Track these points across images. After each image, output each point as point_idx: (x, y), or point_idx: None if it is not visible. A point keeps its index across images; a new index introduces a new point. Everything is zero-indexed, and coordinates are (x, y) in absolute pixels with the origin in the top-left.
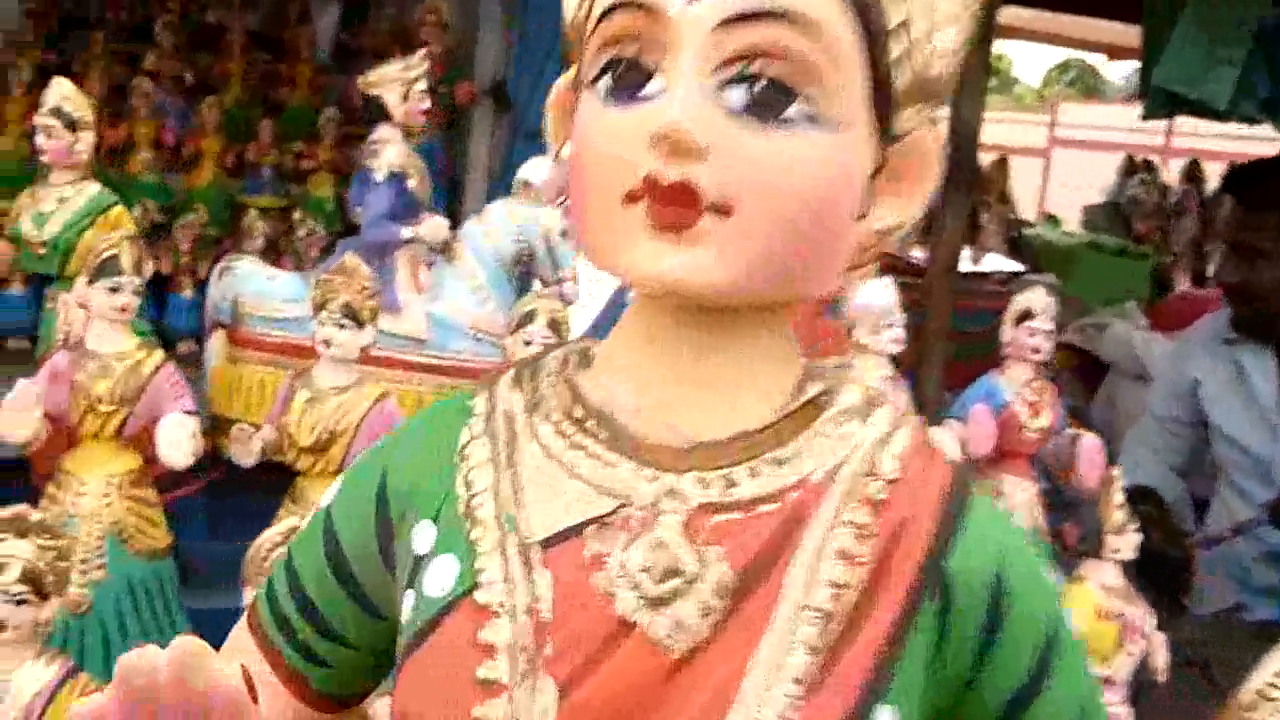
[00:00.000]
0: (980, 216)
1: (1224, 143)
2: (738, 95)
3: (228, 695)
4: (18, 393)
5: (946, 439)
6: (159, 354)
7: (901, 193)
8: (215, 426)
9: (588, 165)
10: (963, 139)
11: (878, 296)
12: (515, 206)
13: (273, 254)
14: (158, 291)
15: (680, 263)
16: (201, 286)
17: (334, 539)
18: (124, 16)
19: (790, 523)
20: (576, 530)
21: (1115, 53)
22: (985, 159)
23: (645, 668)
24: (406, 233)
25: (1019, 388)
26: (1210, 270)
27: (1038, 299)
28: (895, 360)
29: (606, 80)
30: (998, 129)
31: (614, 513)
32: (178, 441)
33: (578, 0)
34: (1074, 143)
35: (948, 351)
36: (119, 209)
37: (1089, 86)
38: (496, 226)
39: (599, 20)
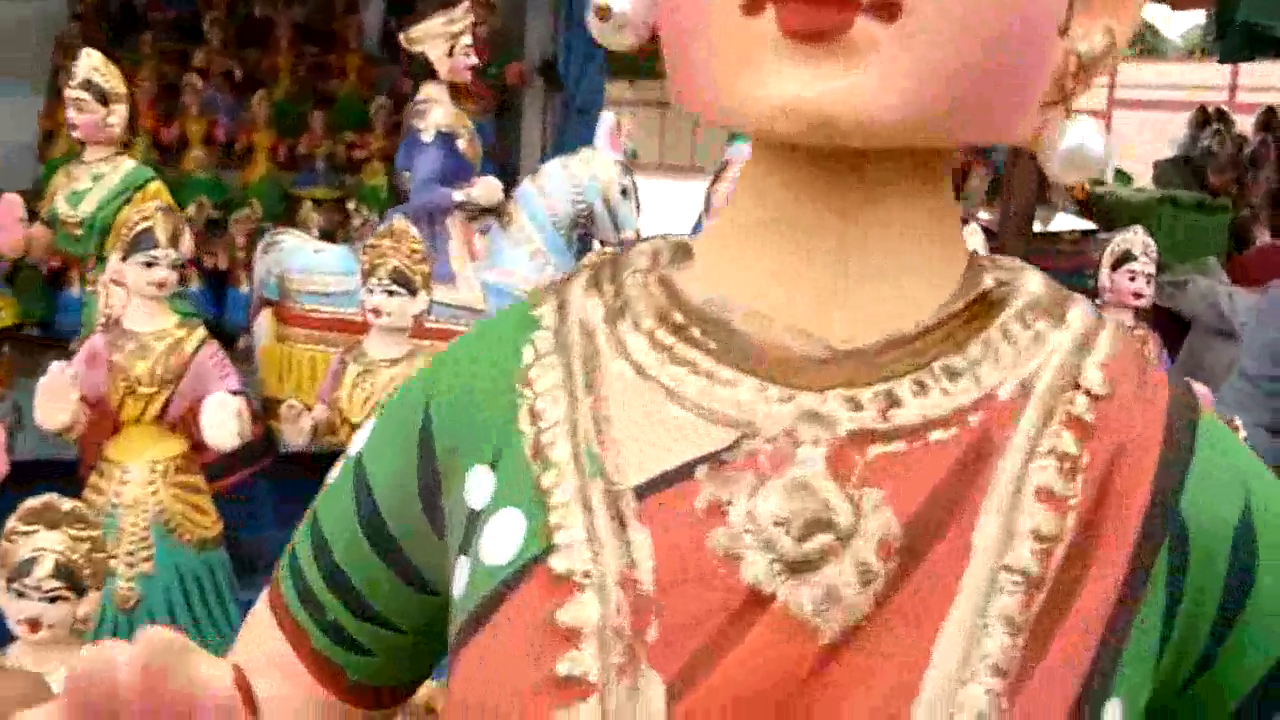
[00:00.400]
0: (1046, 175)
1: None
2: None
3: (217, 700)
4: (50, 376)
5: None
6: (201, 332)
7: (1109, 7)
8: (266, 410)
9: None
10: None
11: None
12: (572, 164)
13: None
14: (217, 287)
15: (830, 87)
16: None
17: (368, 493)
18: (172, 15)
19: (973, 454)
20: (684, 472)
21: (1179, 3)
22: None
23: (786, 656)
24: (458, 196)
25: None
26: None
27: (1137, 240)
28: None
29: None
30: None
31: (734, 447)
32: (222, 422)
33: None
34: (1135, 103)
35: None
36: (157, 184)
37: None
38: (553, 187)
39: None
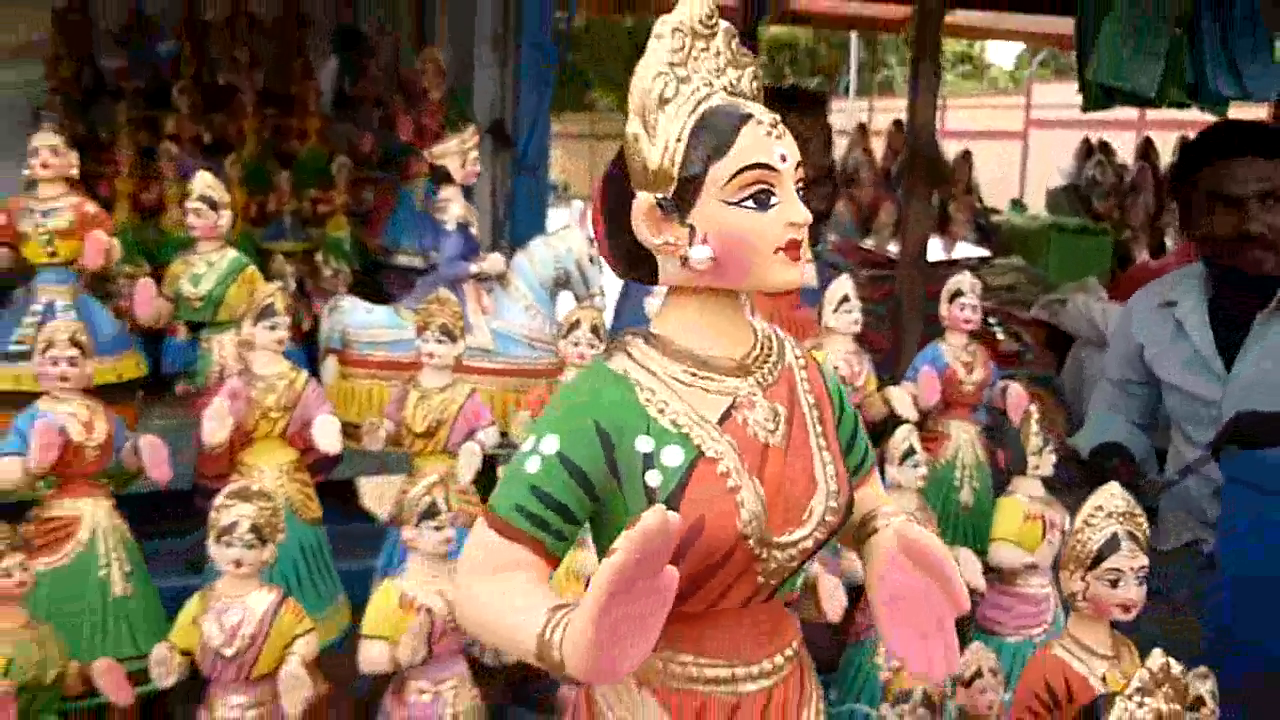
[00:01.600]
0: (949, 208)
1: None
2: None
3: (677, 534)
4: (215, 407)
5: (900, 395)
6: (305, 373)
7: None
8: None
9: (754, 238)
10: (920, 138)
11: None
12: (552, 240)
13: (301, 293)
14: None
15: (798, 272)
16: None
17: (575, 465)
18: (142, 84)
19: (789, 385)
20: (727, 414)
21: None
22: (951, 153)
23: (779, 461)
24: (474, 268)
25: (957, 351)
26: (1169, 242)
27: (965, 280)
28: (862, 339)
29: (749, 202)
30: (974, 114)
31: (735, 403)
32: (331, 434)
33: (661, 155)
34: (1050, 123)
35: (919, 332)
36: (252, 268)
37: (1061, 65)
38: (539, 257)
39: (737, 173)
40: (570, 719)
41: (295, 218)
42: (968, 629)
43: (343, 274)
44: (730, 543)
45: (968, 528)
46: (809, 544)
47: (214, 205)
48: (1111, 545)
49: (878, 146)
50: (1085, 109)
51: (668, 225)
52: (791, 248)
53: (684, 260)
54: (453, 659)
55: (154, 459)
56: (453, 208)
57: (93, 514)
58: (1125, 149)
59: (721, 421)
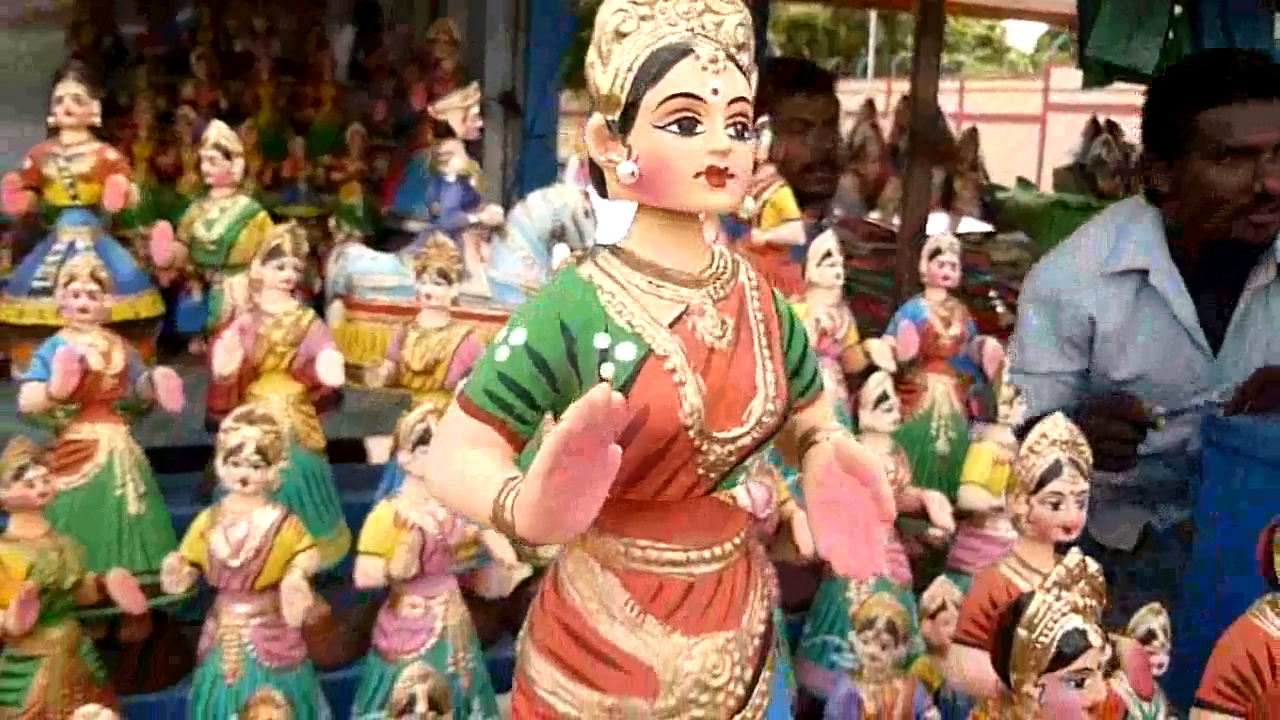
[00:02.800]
0: (955, 184)
1: None
2: (731, 130)
3: (624, 413)
4: (226, 340)
5: (879, 346)
6: (311, 311)
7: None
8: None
9: (673, 160)
10: (921, 114)
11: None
12: (549, 194)
13: (314, 257)
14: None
15: (721, 198)
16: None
17: (539, 355)
18: (161, 51)
19: (739, 300)
20: (678, 318)
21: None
22: (957, 131)
23: (723, 364)
24: (472, 219)
25: (935, 307)
26: None
27: (944, 239)
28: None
29: (674, 126)
30: (993, 97)
31: (687, 310)
32: (335, 368)
33: (612, 83)
34: (1069, 106)
35: None
36: (263, 214)
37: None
38: (536, 212)
39: (666, 99)
40: (540, 601)
41: (309, 184)
42: (938, 568)
43: (354, 239)
44: (672, 432)
45: (943, 475)
46: (746, 441)
47: (227, 154)
48: (1054, 470)
49: (887, 126)
50: (1085, 85)
51: (612, 144)
52: (712, 174)
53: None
54: (443, 576)
55: (167, 390)
56: (454, 161)
57: (110, 438)
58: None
59: (672, 325)
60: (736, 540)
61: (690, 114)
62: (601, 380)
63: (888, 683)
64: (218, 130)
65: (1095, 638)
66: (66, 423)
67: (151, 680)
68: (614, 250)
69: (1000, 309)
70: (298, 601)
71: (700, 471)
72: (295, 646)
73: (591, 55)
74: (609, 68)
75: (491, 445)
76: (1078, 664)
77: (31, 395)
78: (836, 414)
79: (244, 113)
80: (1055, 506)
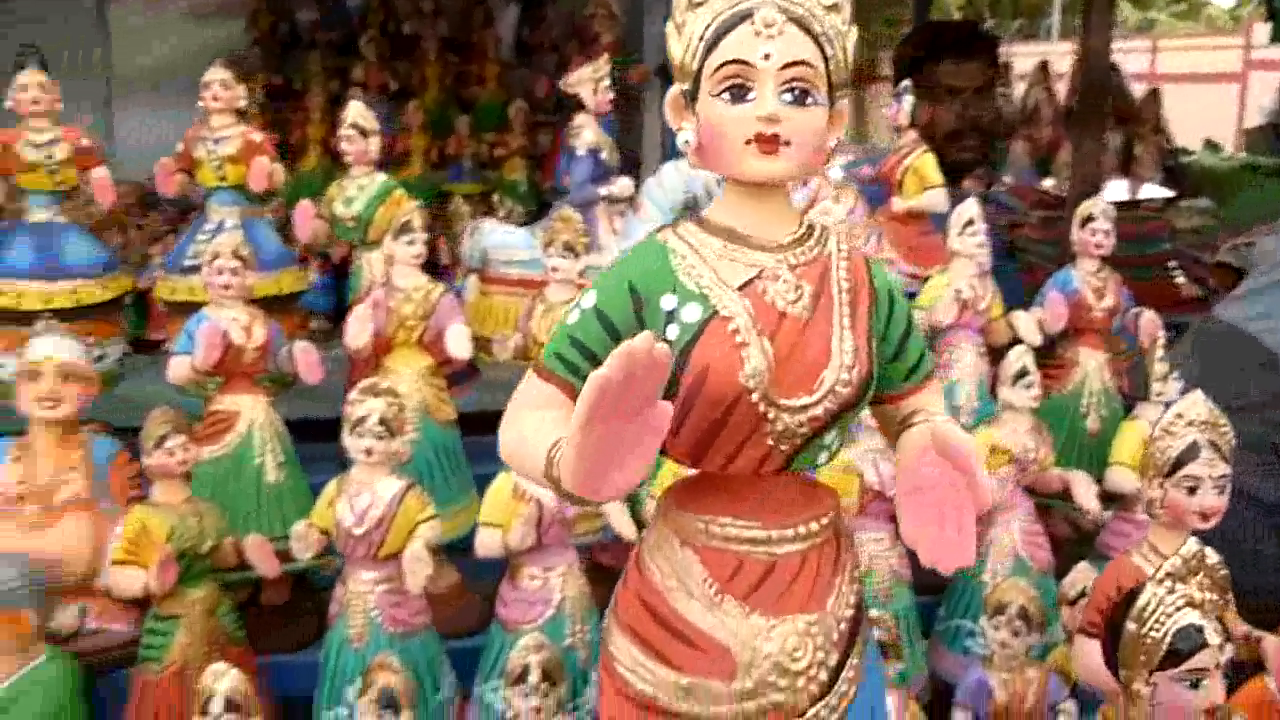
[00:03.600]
0: (1135, 148)
1: None
2: (788, 96)
3: (667, 364)
4: (356, 316)
5: (1025, 319)
6: (442, 286)
7: (835, 129)
8: (476, 345)
9: (724, 128)
10: (1092, 74)
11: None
12: (682, 166)
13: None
14: None
15: (773, 166)
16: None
17: (608, 318)
18: (333, 36)
19: (823, 268)
20: (750, 281)
21: None
22: (1138, 91)
23: (795, 329)
24: (603, 191)
25: (1087, 277)
26: None
27: (1097, 205)
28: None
29: (725, 94)
30: (1187, 57)
31: (760, 274)
32: (463, 342)
33: (684, 53)
34: (1272, 63)
35: None
36: (400, 190)
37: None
38: (668, 183)
39: (720, 67)
40: (624, 576)
41: (474, 160)
42: (1084, 554)
43: (516, 214)
44: (734, 394)
45: (1094, 455)
46: (818, 411)
47: (364, 132)
48: (1191, 452)
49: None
50: (1274, 39)
51: (686, 114)
52: (760, 140)
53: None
54: (562, 548)
55: (306, 363)
56: (585, 134)
57: (251, 409)
58: None
59: (742, 288)
60: (824, 520)
61: (740, 80)
62: (667, 342)
63: (1019, 671)
64: (355, 109)
65: (1214, 635)
66: (211, 394)
67: (291, 641)
68: (698, 218)
69: (1180, 280)
70: (419, 570)
71: (770, 443)
72: (419, 613)
73: (670, 24)
74: (683, 37)
75: (559, 407)
76: (1192, 663)
77: (177, 368)
78: (978, 389)
79: (411, 93)
80: (1191, 491)
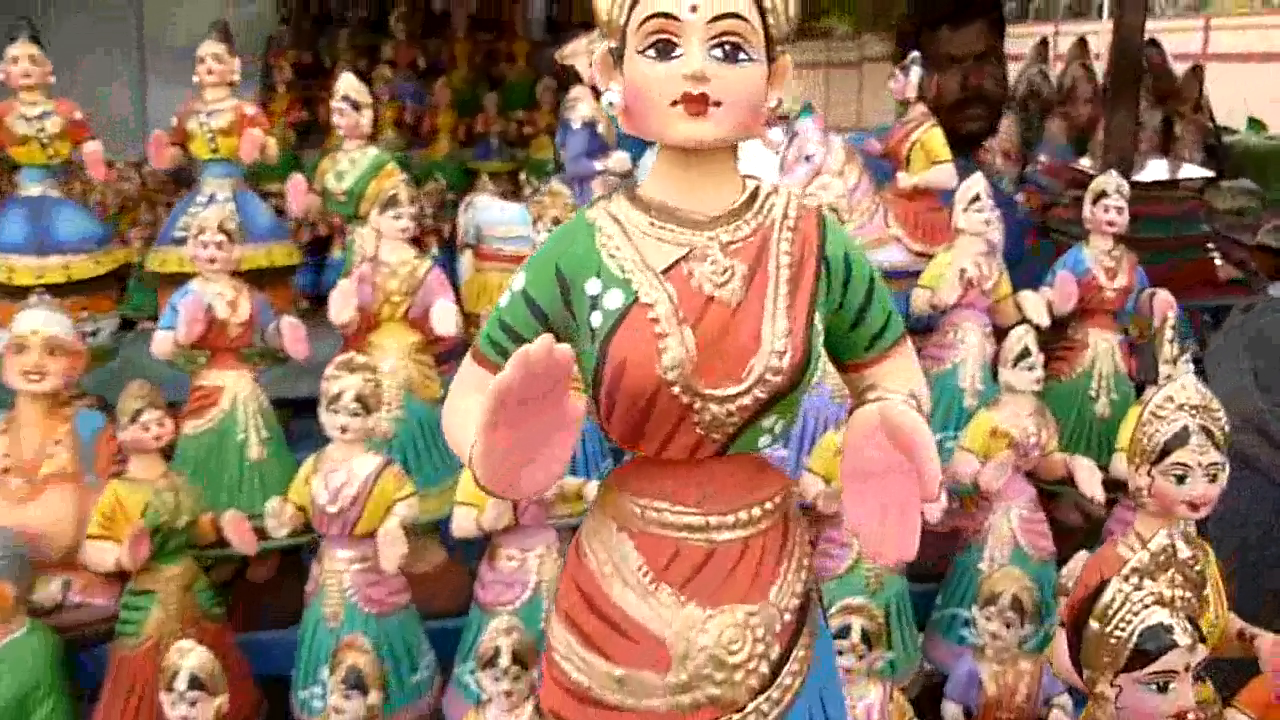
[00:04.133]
0: (1175, 127)
1: None
2: (718, 52)
3: (568, 364)
4: (340, 290)
5: (1033, 299)
6: (429, 261)
7: (776, 87)
8: (468, 322)
9: (649, 88)
10: (1126, 50)
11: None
12: None
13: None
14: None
15: (701, 128)
16: (447, 244)
17: (534, 302)
18: (362, 14)
19: (760, 244)
20: (675, 264)
21: None
22: (1179, 69)
23: (722, 316)
24: (598, 165)
25: (1099, 255)
26: None
27: (1110, 181)
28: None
29: (651, 51)
30: (1242, 36)
31: (689, 253)
32: (448, 318)
33: (610, 6)
34: None
35: None
36: (391, 164)
37: None
38: None
39: (644, 21)
40: (565, 562)
41: (501, 138)
42: (1093, 543)
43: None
44: (651, 387)
45: (1103, 439)
46: (747, 401)
47: (356, 106)
48: (1180, 438)
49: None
50: None
51: (615, 74)
52: (688, 101)
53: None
54: (540, 529)
55: (293, 338)
56: (580, 107)
57: (235, 385)
58: None
59: (667, 270)
60: (768, 506)
61: (666, 35)
62: (591, 329)
63: (1011, 663)
64: (347, 82)
65: (1184, 635)
66: (196, 369)
67: (276, 618)
68: (629, 191)
69: (1219, 262)
70: (393, 548)
71: (700, 432)
72: (396, 593)
73: None
74: None
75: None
76: (1160, 664)
77: (161, 343)
78: (982, 371)
79: (440, 70)
80: (1180, 480)
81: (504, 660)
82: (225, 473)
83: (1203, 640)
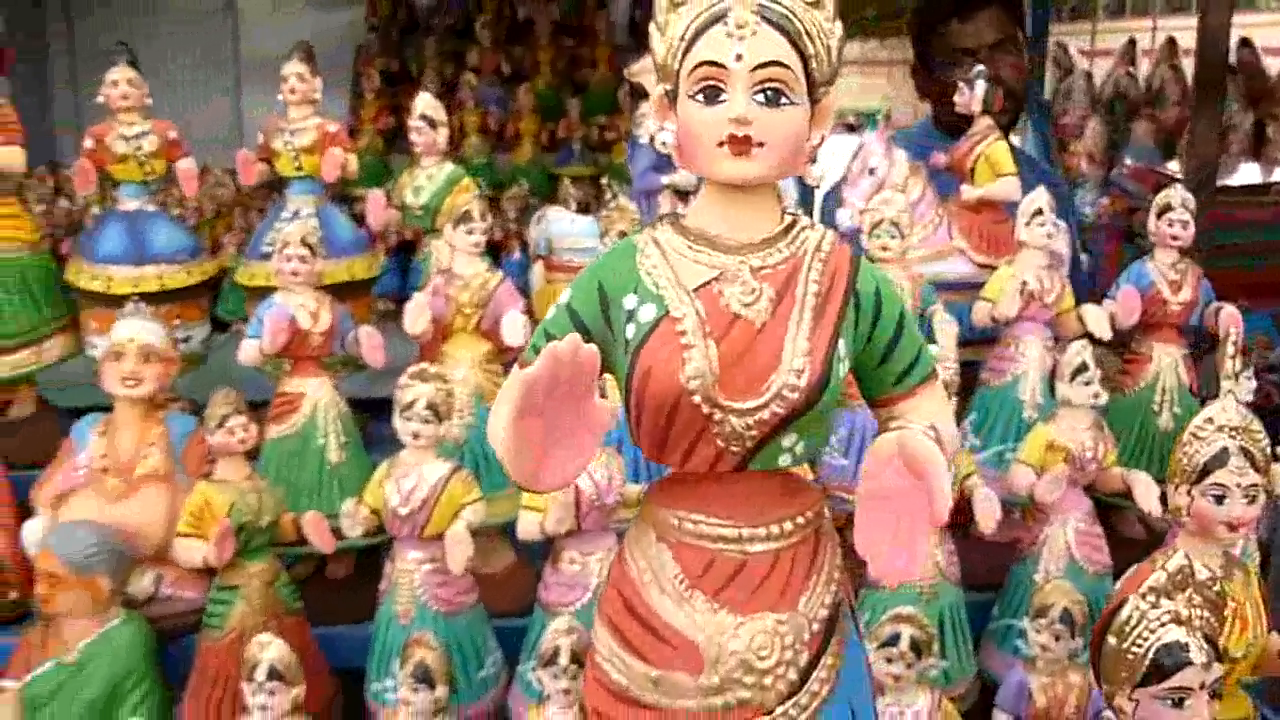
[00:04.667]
0: (1268, 129)
1: None
2: (760, 97)
3: (593, 363)
4: (414, 303)
5: (1096, 312)
6: (499, 274)
7: (819, 126)
8: None
9: (698, 130)
10: (1210, 50)
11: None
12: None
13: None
14: (492, 256)
15: (745, 167)
16: (528, 249)
17: (577, 315)
18: (449, 21)
19: (790, 272)
20: (707, 284)
21: None
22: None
23: (747, 333)
24: (664, 180)
25: (1164, 269)
26: None
27: (1175, 195)
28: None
29: (699, 96)
30: None
31: (720, 275)
32: (516, 329)
33: (665, 54)
34: None
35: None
36: (468, 179)
37: None
38: None
39: (694, 69)
40: (609, 569)
41: (584, 144)
42: None
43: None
44: (675, 395)
45: (1165, 453)
46: (765, 415)
47: (433, 124)
48: (1219, 459)
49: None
50: None
51: (670, 114)
52: (732, 142)
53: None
54: (600, 534)
55: (370, 347)
56: (648, 123)
57: (316, 392)
58: None
59: (698, 289)
60: (800, 520)
61: (713, 82)
62: (626, 340)
63: (1061, 676)
64: (424, 102)
65: (1199, 654)
66: (280, 376)
67: (352, 614)
68: (675, 218)
69: None
70: (459, 550)
71: (720, 444)
72: (464, 592)
73: (653, 25)
74: (665, 37)
75: None
76: (1175, 680)
77: (247, 351)
78: (1043, 384)
79: (524, 76)
80: (1219, 500)
81: (563, 659)
82: (306, 475)
83: (1219, 659)
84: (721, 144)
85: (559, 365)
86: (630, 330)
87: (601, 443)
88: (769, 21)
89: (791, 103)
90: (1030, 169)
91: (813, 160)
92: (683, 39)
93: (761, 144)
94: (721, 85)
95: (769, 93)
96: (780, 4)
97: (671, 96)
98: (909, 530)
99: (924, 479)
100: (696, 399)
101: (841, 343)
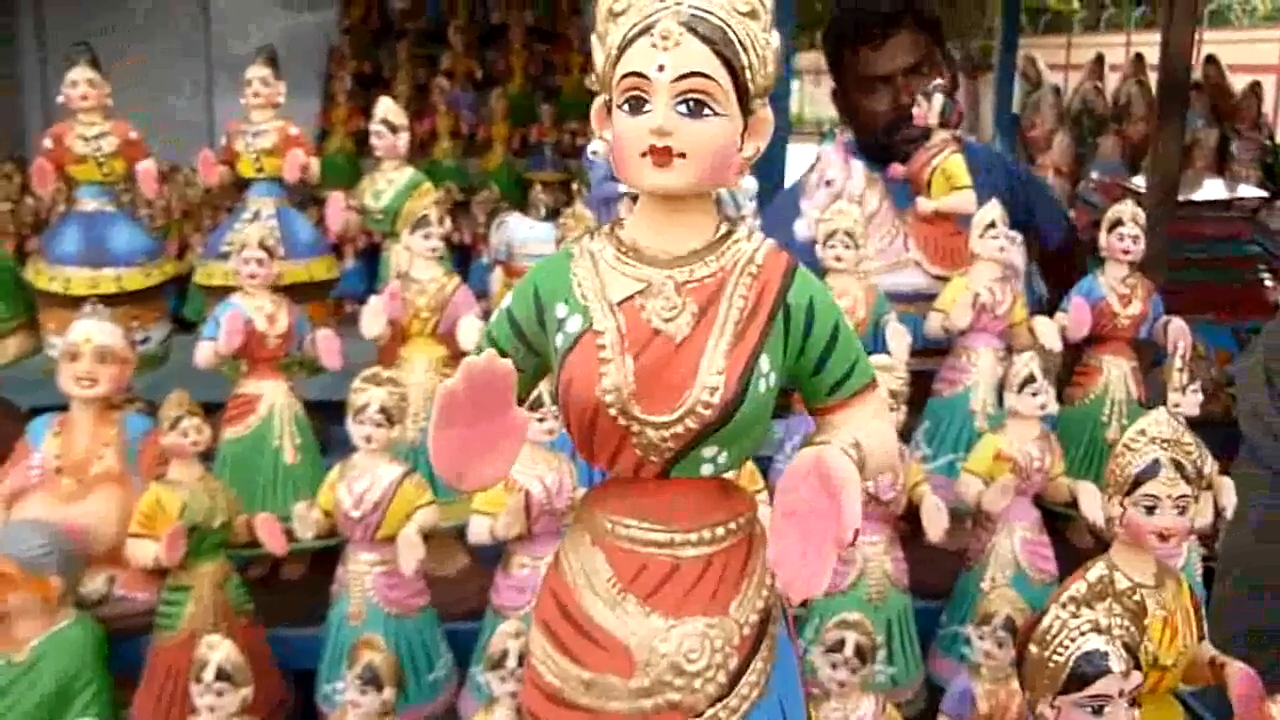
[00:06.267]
0: (1232, 145)
1: None
2: (683, 108)
3: (507, 376)
4: (370, 305)
5: (1046, 325)
6: (457, 279)
7: (754, 138)
8: None
9: (623, 140)
10: (1172, 66)
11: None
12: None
13: (554, 220)
14: (462, 259)
15: (666, 178)
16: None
17: (516, 320)
18: (422, 25)
19: (716, 287)
20: (630, 296)
21: None
22: (1238, 85)
23: (666, 349)
24: (623, 188)
25: (1114, 283)
26: None
27: (1126, 210)
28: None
29: (626, 106)
30: None
31: (645, 289)
32: (470, 334)
33: (603, 63)
34: None
35: (1163, 275)
36: (427, 184)
37: None
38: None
39: (622, 79)
40: (547, 572)
41: (555, 149)
42: None
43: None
44: (591, 407)
45: None
46: (679, 430)
47: (393, 128)
48: (1150, 470)
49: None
50: None
51: (607, 124)
52: (653, 153)
53: None
54: (552, 538)
55: (327, 349)
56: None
57: (273, 394)
58: None
59: (621, 302)
60: (732, 525)
61: (638, 92)
62: (555, 348)
63: (1004, 683)
64: (385, 106)
65: (1118, 662)
66: (236, 378)
67: (305, 615)
68: (612, 228)
69: (1269, 283)
70: (410, 552)
71: (638, 453)
72: (416, 595)
73: (594, 35)
74: (604, 47)
75: None
76: (1095, 688)
77: (202, 353)
78: (993, 395)
79: (497, 81)
80: (1150, 511)
81: (511, 662)
82: (260, 477)
83: (1138, 667)
84: (644, 154)
85: (474, 378)
86: (559, 340)
87: (522, 448)
88: (695, 33)
89: (716, 114)
90: (1005, 173)
91: (743, 173)
92: (617, 49)
93: (683, 155)
94: (645, 96)
95: (691, 104)
96: (712, 15)
97: (608, 107)
98: (817, 548)
99: (834, 499)
100: (613, 412)
101: (765, 358)
